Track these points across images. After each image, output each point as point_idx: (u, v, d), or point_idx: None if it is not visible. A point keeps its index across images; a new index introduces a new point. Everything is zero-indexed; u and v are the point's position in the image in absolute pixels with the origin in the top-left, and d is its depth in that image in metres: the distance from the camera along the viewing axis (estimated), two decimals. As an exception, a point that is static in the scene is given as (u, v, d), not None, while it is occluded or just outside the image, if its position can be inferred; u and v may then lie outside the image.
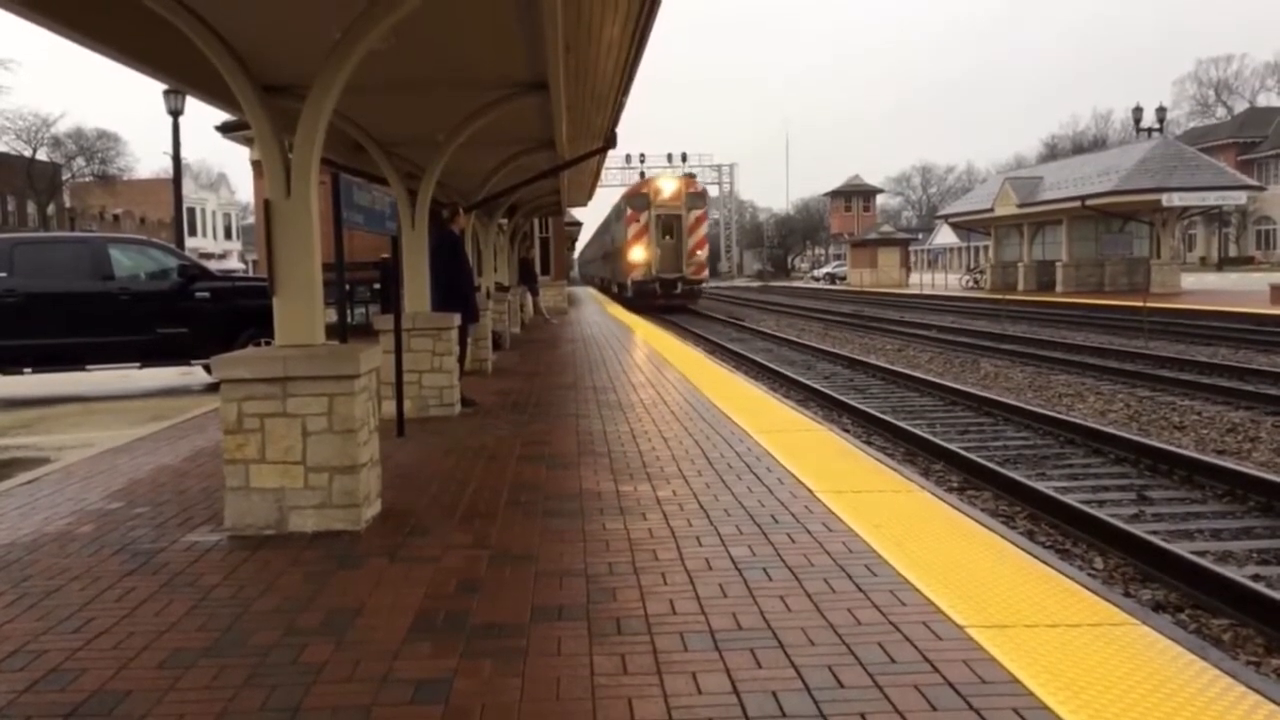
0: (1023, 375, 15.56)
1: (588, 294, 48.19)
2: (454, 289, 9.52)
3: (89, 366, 12.78)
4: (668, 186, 37.53)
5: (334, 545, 4.66)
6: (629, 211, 37.10)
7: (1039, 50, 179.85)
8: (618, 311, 29.11)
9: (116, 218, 68.16)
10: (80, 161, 64.38)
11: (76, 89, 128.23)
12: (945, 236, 52.81)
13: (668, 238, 36.61)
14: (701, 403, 9.13)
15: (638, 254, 36.56)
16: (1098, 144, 77.49)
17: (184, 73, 6.47)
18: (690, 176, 40.34)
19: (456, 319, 9.18)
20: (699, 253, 37.45)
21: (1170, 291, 34.00)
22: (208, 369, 11.28)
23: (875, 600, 3.71)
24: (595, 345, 16.33)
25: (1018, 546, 4.37)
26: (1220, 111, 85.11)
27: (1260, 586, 5.21)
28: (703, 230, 37.87)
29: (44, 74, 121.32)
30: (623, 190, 50.25)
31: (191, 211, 74.29)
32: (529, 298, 24.48)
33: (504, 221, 19.81)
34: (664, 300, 35.86)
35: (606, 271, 51.11)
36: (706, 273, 38.86)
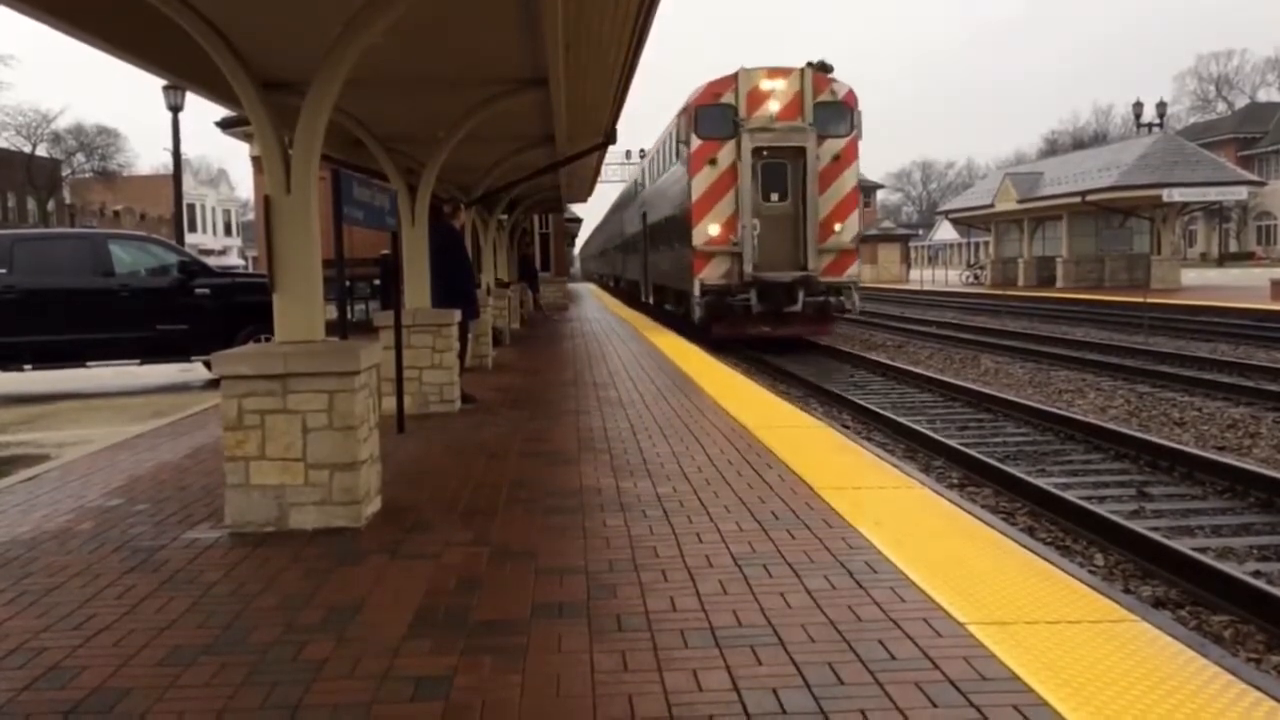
0: (1023, 371, 15.57)
1: (588, 290, 48.06)
2: (454, 285, 9.52)
3: (89, 363, 12.79)
4: (778, 87, 18.35)
5: (334, 542, 4.65)
6: (696, 144, 18.52)
7: (1040, 46, 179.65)
8: (618, 308, 28.78)
9: (116, 214, 68.14)
10: (80, 157, 64.45)
11: (76, 85, 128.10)
12: (945, 232, 52.87)
13: (775, 196, 18.27)
14: (701, 399, 9.13)
15: (712, 232, 18.39)
16: (1098, 139, 77.49)
17: (184, 69, 6.46)
18: (821, 69, 19.28)
19: (457, 315, 9.17)
20: (840, 226, 18.61)
21: (1170, 287, 33.98)
22: (208, 365, 11.27)
23: (875, 597, 3.71)
24: (595, 341, 16.32)
25: (1018, 543, 4.37)
26: (1221, 107, 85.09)
27: (1261, 583, 5.22)
28: (851, 178, 18.95)
29: (44, 70, 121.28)
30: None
31: (191, 207, 74.23)
32: (529, 294, 24.50)
33: (504, 217, 19.78)
34: (771, 328, 18.41)
35: (632, 269, 31.49)
36: (857, 266, 19.36)
